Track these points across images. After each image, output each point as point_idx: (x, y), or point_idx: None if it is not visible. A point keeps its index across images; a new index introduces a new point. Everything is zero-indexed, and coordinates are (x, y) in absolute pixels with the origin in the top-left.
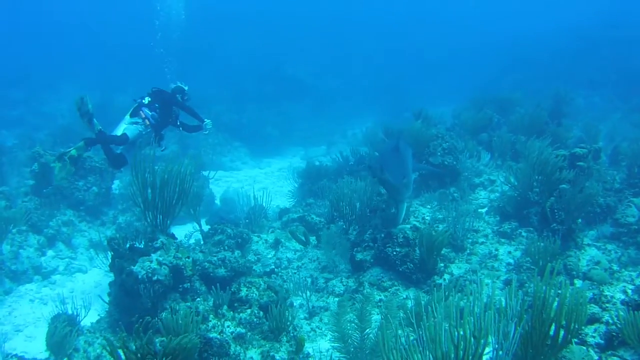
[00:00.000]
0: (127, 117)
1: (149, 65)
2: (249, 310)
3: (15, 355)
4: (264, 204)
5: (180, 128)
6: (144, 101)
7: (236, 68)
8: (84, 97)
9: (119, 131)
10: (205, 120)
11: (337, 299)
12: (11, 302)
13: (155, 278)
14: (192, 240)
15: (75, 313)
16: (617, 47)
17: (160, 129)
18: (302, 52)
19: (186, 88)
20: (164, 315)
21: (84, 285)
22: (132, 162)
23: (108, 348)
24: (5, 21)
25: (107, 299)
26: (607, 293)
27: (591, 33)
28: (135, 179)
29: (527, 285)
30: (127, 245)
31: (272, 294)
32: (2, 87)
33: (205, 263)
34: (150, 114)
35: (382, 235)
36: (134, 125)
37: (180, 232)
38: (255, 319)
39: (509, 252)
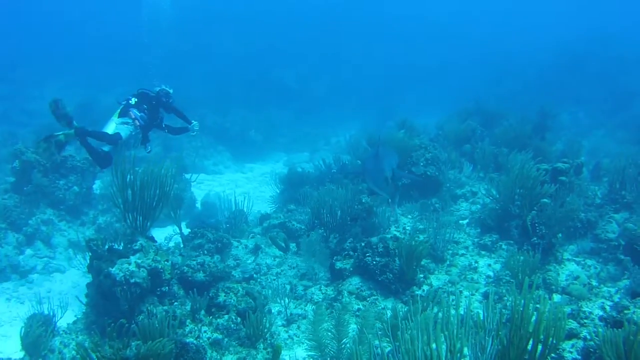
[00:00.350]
0: (115, 117)
1: (137, 67)
2: (226, 316)
3: None
4: (245, 209)
5: (166, 130)
6: (130, 102)
7: (223, 70)
8: (58, 101)
9: (109, 131)
10: (193, 121)
11: (315, 307)
12: None
13: (133, 281)
14: (171, 244)
15: (51, 313)
16: (603, 65)
17: (147, 130)
18: (291, 58)
19: (171, 91)
20: (140, 319)
21: (61, 286)
22: (114, 162)
23: (81, 352)
24: None
25: (84, 300)
26: (585, 309)
27: (579, 49)
28: (116, 180)
29: (506, 298)
30: (106, 247)
31: (250, 300)
32: None
33: (184, 267)
34: (139, 114)
35: (362, 244)
36: (125, 125)
37: (161, 234)
38: (232, 325)
39: (489, 265)
